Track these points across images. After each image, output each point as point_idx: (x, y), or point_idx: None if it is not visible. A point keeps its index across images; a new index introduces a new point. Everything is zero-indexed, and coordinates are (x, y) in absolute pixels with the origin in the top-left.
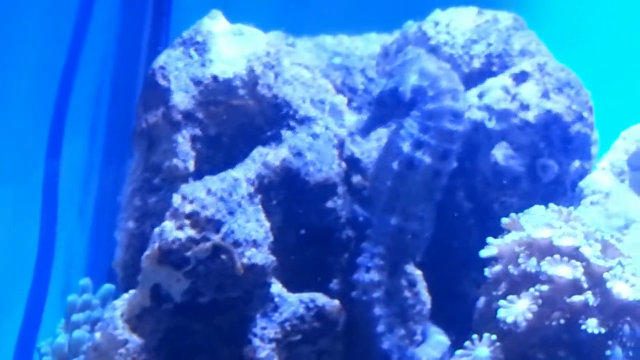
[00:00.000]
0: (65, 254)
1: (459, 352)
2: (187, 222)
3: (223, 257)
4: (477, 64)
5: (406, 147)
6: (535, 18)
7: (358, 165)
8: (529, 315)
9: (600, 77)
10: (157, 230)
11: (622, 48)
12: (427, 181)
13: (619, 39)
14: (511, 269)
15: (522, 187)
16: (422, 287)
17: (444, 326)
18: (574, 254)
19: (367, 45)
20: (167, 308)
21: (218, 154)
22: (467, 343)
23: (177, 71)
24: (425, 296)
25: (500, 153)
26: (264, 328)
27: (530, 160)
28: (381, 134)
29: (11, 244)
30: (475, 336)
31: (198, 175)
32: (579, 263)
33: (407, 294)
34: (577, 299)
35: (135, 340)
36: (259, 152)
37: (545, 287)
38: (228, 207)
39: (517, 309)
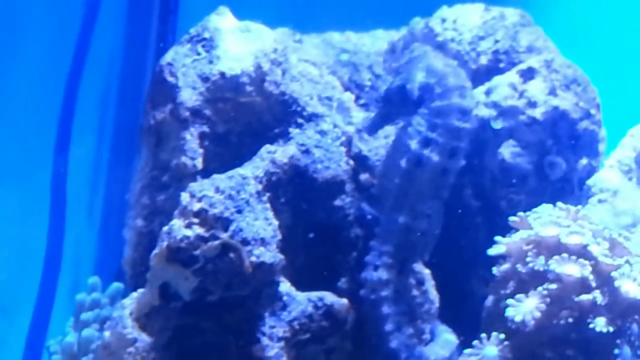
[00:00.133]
0: (73, 253)
1: (467, 351)
2: (196, 220)
3: (231, 255)
4: (484, 60)
5: (414, 144)
6: (542, 14)
7: (366, 163)
8: (537, 314)
9: (607, 74)
10: (165, 228)
11: (630, 45)
12: (435, 179)
13: (626, 35)
14: (519, 267)
15: (530, 184)
16: (430, 285)
17: (452, 325)
18: (582, 253)
19: (375, 42)
20: (175, 306)
21: (226, 152)
22: (475, 342)
23: (185, 68)
24: (434, 295)
25: (507, 151)
26: (272, 327)
27: (538, 158)
28: (389, 132)
29: (20, 242)
30: (483, 335)
31: (206, 172)
32: (587, 262)
33: (415, 292)
34: (585, 297)
35: (144, 339)
36: (266, 149)
37: (553, 286)
38: (236, 205)
39: (525, 308)
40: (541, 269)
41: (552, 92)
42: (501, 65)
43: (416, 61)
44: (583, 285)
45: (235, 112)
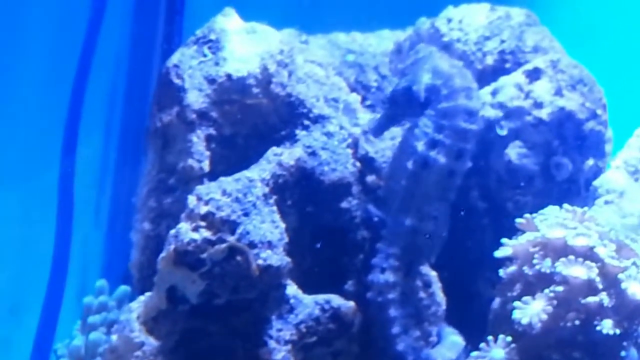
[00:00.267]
0: (81, 254)
1: (474, 353)
2: (203, 223)
3: (238, 258)
4: (490, 60)
5: (420, 146)
6: (548, 14)
7: (372, 165)
8: (544, 317)
9: (613, 74)
10: (172, 231)
11: (636, 44)
12: (442, 181)
13: (633, 35)
14: (526, 269)
15: (536, 185)
16: (437, 287)
17: (459, 327)
18: (589, 255)
19: (380, 43)
20: (183, 310)
21: (232, 154)
22: (482, 344)
23: (191, 70)
24: (441, 297)
25: (514, 152)
26: (279, 330)
27: (544, 159)
28: (395, 133)
29: (27, 244)
30: (490, 337)
31: (213, 175)
32: (593, 264)
33: (422, 294)
34: (592, 299)
35: (152, 342)
36: (273, 151)
37: (560, 288)
38: (243, 208)
39: (532, 310)
40: (548, 271)
41: (558, 93)
42: (507, 65)
43: (422, 62)
44: (590, 288)
45: (241, 114)
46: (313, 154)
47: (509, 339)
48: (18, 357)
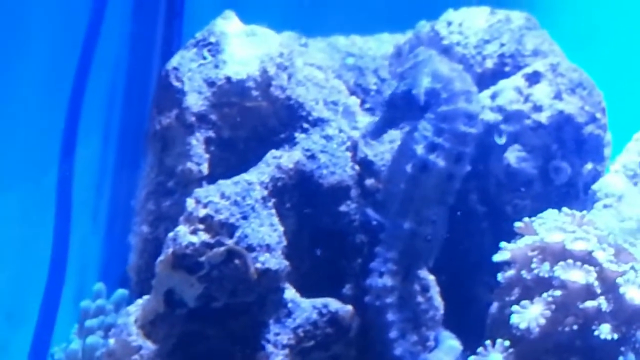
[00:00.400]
0: (79, 259)
1: (471, 358)
2: (201, 226)
3: (237, 261)
4: (489, 64)
5: (420, 149)
6: (548, 18)
7: (371, 168)
8: (542, 321)
9: (613, 78)
10: (171, 234)
11: (635, 48)
12: (441, 184)
13: (632, 39)
14: (524, 273)
15: (535, 189)
16: (435, 292)
17: (457, 331)
18: (587, 259)
19: (380, 46)
20: (180, 313)
21: (232, 157)
22: (480, 349)
23: (191, 72)
24: (438, 301)
25: (513, 155)
26: (277, 334)
27: (543, 162)
28: (394, 137)
29: (25, 248)
30: (488, 342)
31: (212, 178)
32: (592, 268)
33: (420, 299)
34: (590, 304)
35: (149, 346)
36: (272, 154)
37: (558, 293)
38: (242, 211)
39: (530, 315)
40: (546, 275)
41: (558, 96)
42: (507, 68)
43: (421, 66)
44: (588, 292)
45: (241, 117)
46: (312, 157)
47: (507, 343)
48: None
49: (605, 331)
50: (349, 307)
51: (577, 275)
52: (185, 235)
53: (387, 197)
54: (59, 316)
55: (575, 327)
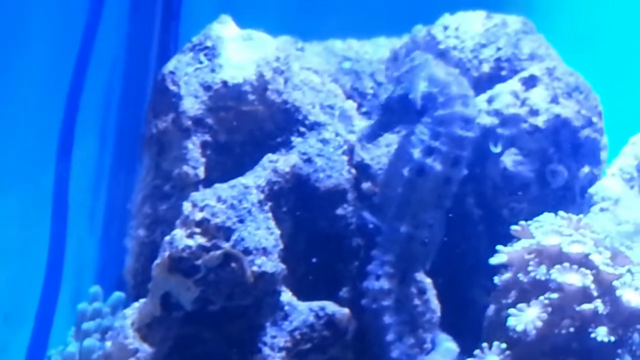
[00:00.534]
0: (75, 262)
1: None
2: (198, 230)
3: (233, 265)
4: (486, 68)
5: (417, 153)
6: (545, 22)
7: (368, 172)
8: (539, 324)
9: (609, 82)
10: (167, 238)
11: (632, 52)
12: (438, 188)
13: (629, 43)
14: (521, 276)
15: (532, 192)
16: (431, 294)
17: (454, 333)
18: (584, 262)
19: (377, 50)
20: (177, 316)
21: (228, 161)
22: (476, 351)
23: (187, 76)
24: (435, 304)
25: (509, 159)
26: (274, 337)
27: (540, 166)
28: (390, 140)
29: (21, 250)
30: (485, 344)
31: (208, 182)
32: (588, 271)
33: (416, 301)
34: (586, 307)
35: (146, 349)
36: (268, 158)
37: (555, 295)
38: (238, 214)
39: (526, 317)
40: (543, 278)
41: (554, 100)
42: (503, 73)
43: (417, 70)
44: (584, 295)
45: (237, 120)
46: (308, 160)
47: (504, 345)
48: None
49: (601, 334)
50: (346, 310)
51: (573, 278)
52: (181, 238)
53: (384, 200)
54: (55, 319)
55: (571, 329)
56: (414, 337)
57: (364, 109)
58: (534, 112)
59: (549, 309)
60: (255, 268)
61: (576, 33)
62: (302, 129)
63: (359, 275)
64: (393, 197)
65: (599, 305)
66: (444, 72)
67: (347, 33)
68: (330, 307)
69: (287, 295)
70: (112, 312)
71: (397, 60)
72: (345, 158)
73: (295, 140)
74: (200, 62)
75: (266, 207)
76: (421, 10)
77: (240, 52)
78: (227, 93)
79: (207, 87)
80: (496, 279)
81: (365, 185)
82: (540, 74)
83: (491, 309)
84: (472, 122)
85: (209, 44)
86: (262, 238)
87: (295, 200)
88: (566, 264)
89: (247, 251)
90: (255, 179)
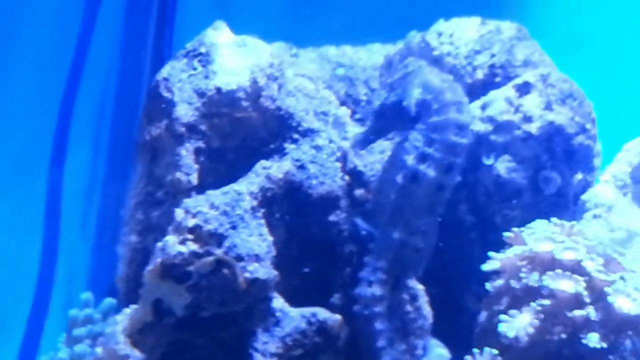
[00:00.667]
0: (67, 268)
1: None
2: (190, 236)
3: (225, 271)
4: (480, 74)
5: (410, 160)
6: (539, 28)
7: (361, 178)
8: (531, 330)
9: (603, 88)
10: (159, 244)
11: (626, 59)
12: (431, 194)
13: (622, 50)
14: (513, 283)
15: (525, 199)
16: (423, 301)
17: (445, 340)
18: (576, 268)
19: (371, 56)
20: (168, 323)
21: (221, 167)
22: (468, 357)
23: (181, 83)
24: (427, 310)
25: (502, 166)
26: (265, 343)
27: (533, 173)
28: (384, 147)
29: (13, 256)
30: (476, 350)
31: (201, 188)
32: (581, 277)
33: (408, 308)
34: (578, 313)
35: (137, 355)
36: (262, 165)
37: (547, 302)
38: (231, 221)
39: (518, 324)
40: (535, 284)
41: (548, 107)
42: (497, 79)
43: (411, 77)
44: (577, 301)
45: (231, 127)
46: (302, 167)
47: (496, 352)
48: None
49: (593, 340)
50: (338, 317)
51: (566, 285)
52: (174, 245)
53: (377, 207)
54: (46, 325)
55: (563, 336)
56: (406, 344)
57: (357, 116)
58: (528, 119)
59: (541, 316)
60: (247, 274)
61: (570, 40)
62: (296, 136)
63: (351, 281)
64: (386, 204)
65: (591, 311)
66: (438, 79)
67: (341, 39)
68: (322, 313)
69: (279, 302)
70: (103, 319)
71: (391, 66)
72: (338, 165)
73: (289, 146)
74: (194, 69)
75: (259, 214)
76: (416, 16)
77: (234, 59)
78: (221, 99)
79: (200, 94)
80: (488, 286)
81: (359, 192)
82: (534, 81)
83: (483, 315)
84: (466, 129)
85: (202, 50)
86: (255, 245)
87: (288, 206)
88: (559, 271)
89: (239, 258)
90: (248, 186)
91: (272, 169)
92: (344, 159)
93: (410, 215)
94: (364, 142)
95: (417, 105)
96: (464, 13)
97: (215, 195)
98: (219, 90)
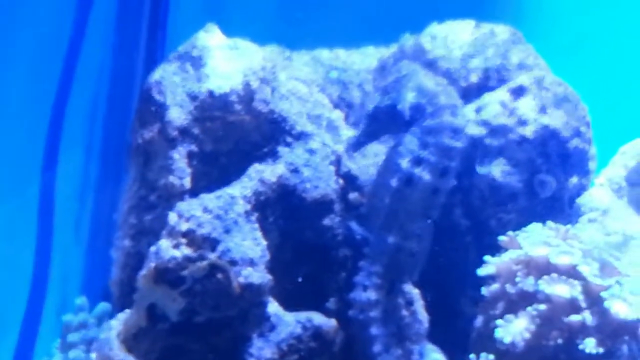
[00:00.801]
0: (61, 272)
1: None
2: (184, 240)
3: (219, 276)
4: (474, 78)
5: (405, 163)
6: (533, 31)
7: (355, 182)
8: (527, 335)
9: (597, 92)
10: (153, 248)
11: (620, 62)
12: (426, 198)
13: (617, 53)
14: (509, 287)
15: (520, 203)
16: (419, 305)
17: (441, 345)
18: (572, 273)
19: (364, 59)
20: (163, 328)
21: (214, 171)
22: None
23: (173, 86)
24: (423, 315)
25: (497, 169)
26: (260, 348)
27: (528, 176)
28: (378, 150)
29: (6, 261)
30: (472, 355)
31: (194, 192)
32: (576, 282)
33: (404, 312)
34: (575, 318)
35: None
36: (255, 169)
37: (543, 306)
38: (224, 225)
39: (514, 329)
40: (531, 289)
41: (543, 110)
42: (491, 82)
43: (405, 80)
44: (573, 306)
45: (223, 131)
46: (295, 170)
47: (492, 357)
48: None
49: (590, 345)
50: (333, 321)
51: (561, 289)
52: (167, 249)
53: (372, 211)
54: (40, 330)
55: (560, 341)
56: (401, 349)
57: (351, 119)
58: (523, 122)
59: (537, 320)
60: (241, 279)
61: (565, 43)
62: (289, 139)
63: (346, 286)
64: (381, 208)
65: (587, 316)
66: (432, 83)
67: (334, 42)
68: (317, 318)
69: (273, 306)
70: (97, 323)
71: (385, 70)
72: (332, 168)
73: (282, 150)
74: (187, 72)
75: (253, 218)
76: (409, 19)
77: (226, 62)
78: (214, 103)
79: (193, 97)
80: (484, 290)
81: (353, 196)
82: (528, 84)
83: (479, 320)
84: (461, 132)
85: (195, 53)
86: (249, 249)
87: (282, 210)
88: (554, 275)
89: (233, 262)
90: (241, 189)
91: (265, 173)
92: (337, 162)
93: (405, 219)
94: (357, 145)
95: (411, 108)
96: (457, 16)
97: (208, 199)
98: (211, 93)
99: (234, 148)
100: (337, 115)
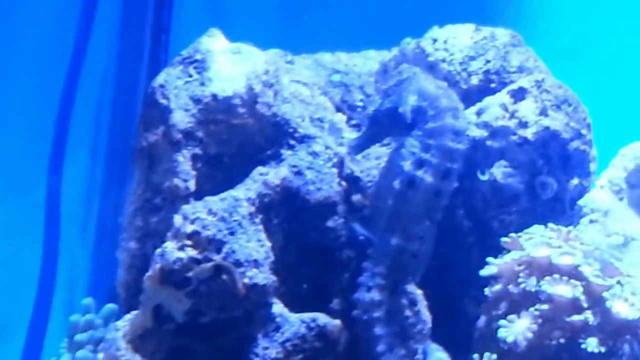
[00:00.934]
0: (67, 274)
1: None
2: (189, 242)
3: (224, 277)
4: (475, 80)
5: (407, 166)
6: (533, 34)
7: (358, 184)
8: (529, 335)
9: (597, 94)
10: (158, 250)
11: (620, 64)
12: (429, 200)
13: (617, 55)
14: (511, 288)
15: (521, 204)
16: (422, 306)
17: (445, 345)
18: (574, 273)
19: (366, 63)
20: (168, 328)
21: (218, 173)
22: None
23: (177, 90)
24: (426, 315)
25: (499, 171)
26: (265, 348)
27: (529, 178)
28: (380, 153)
29: (14, 263)
30: (476, 355)
31: (199, 194)
32: (578, 282)
33: (407, 313)
34: (576, 318)
35: None
36: (259, 171)
37: (545, 307)
38: (229, 227)
39: (517, 329)
40: (533, 289)
41: (543, 113)
42: (492, 85)
43: (406, 83)
44: (574, 306)
45: (227, 133)
46: (299, 173)
47: (495, 357)
48: None
49: (592, 345)
50: (337, 322)
51: (563, 290)
52: (172, 251)
53: (375, 212)
54: (48, 330)
55: (562, 340)
56: (405, 348)
57: (353, 122)
58: (523, 125)
59: (540, 320)
60: (246, 280)
61: (564, 45)
62: (292, 142)
63: (349, 287)
64: (384, 209)
65: (589, 316)
66: (433, 86)
67: (336, 46)
68: (322, 318)
69: (278, 307)
70: (104, 324)
71: (387, 73)
72: (335, 170)
73: (285, 153)
74: (190, 76)
75: (257, 220)
76: (410, 23)
77: (229, 65)
78: (217, 106)
79: (197, 100)
80: (487, 291)
81: (356, 198)
82: (529, 87)
83: (482, 320)
84: (463, 135)
85: (198, 57)
86: (253, 250)
87: (286, 212)
88: (556, 276)
89: (238, 263)
90: (245, 192)
91: (269, 175)
92: (340, 164)
93: (408, 220)
94: (359, 148)
95: (412, 111)
96: (458, 20)
97: (213, 201)
98: (215, 96)
99: (237, 151)
100: (340, 117)
